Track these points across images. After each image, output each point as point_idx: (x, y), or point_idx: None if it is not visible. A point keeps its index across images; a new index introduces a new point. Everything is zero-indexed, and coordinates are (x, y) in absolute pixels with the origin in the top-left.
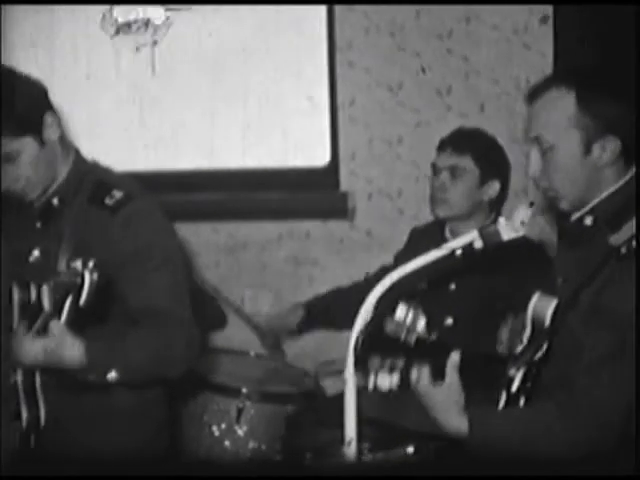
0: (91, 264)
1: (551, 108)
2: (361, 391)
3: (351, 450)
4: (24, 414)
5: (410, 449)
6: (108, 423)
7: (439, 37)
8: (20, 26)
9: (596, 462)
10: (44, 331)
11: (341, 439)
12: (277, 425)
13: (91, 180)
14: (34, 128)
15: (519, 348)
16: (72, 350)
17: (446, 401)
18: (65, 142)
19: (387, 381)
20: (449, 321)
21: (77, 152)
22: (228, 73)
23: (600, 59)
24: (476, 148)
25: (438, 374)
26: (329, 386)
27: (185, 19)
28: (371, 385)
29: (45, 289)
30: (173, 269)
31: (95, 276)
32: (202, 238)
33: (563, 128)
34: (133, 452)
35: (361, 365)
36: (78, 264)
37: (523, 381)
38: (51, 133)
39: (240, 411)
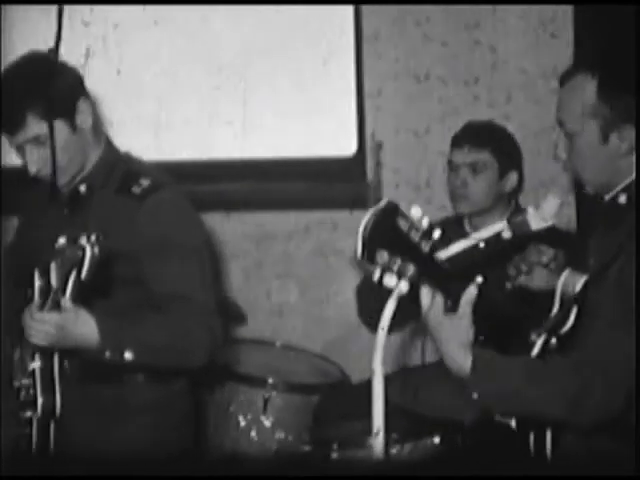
0: (93, 238)
1: (574, 95)
2: (389, 382)
3: (379, 440)
4: (40, 400)
5: (437, 439)
6: (130, 417)
7: (466, 27)
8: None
9: (596, 462)
10: (56, 308)
11: (368, 430)
12: (304, 416)
13: (120, 169)
14: (66, 113)
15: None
16: (86, 327)
17: (455, 334)
18: (97, 130)
19: (394, 282)
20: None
21: (108, 141)
22: (257, 62)
23: (623, 50)
24: (493, 141)
25: (451, 303)
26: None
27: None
28: (376, 278)
29: (53, 265)
30: (198, 259)
31: (96, 250)
32: (229, 228)
33: (583, 116)
34: (157, 447)
35: (369, 253)
36: (82, 239)
37: (543, 349)
38: (83, 120)
39: (266, 402)
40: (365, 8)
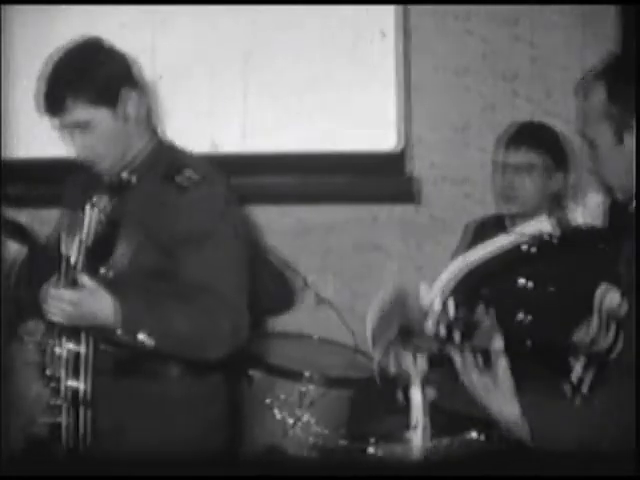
0: (94, 199)
1: (587, 101)
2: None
3: (417, 435)
4: (65, 385)
5: (474, 435)
6: (167, 413)
7: (506, 23)
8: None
9: (596, 461)
10: (73, 285)
11: (406, 424)
12: (340, 410)
13: (165, 159)
14: (110, 100)
15: (585, 338)
16: (102, 304)
17: (495, 388)
18: (144, 119)
19: (411, 363)
20: (520, 316)
21: (155, 131)
22: (302, 57)
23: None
24: (544, 143)
25: (482, 360)
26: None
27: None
28: (392, 366)
29: (62, 236)
30: (233, 254)
31: (95, 212)
32: (269, 221)
33: (597, 120)
34: (193, 442)
35: (380, 344)
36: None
37: (585, 371)
38: (128, 108)
39: (303, 395)
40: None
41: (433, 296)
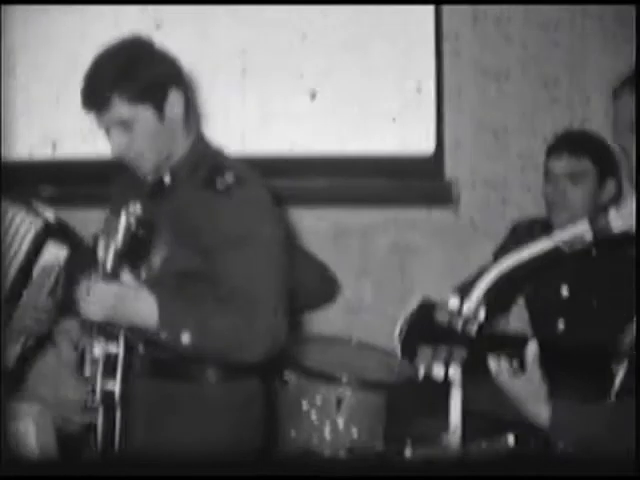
0: (131, 208)
1: (619, 110)
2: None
3: (455, 438)
4: (98, 386)
5: (511, 439)
6: (204, 417)
7: (545, 28)
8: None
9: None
10: (111, 281)
11: (442, 427)
12: (377, 413)
13: (207, 162)
14: (155, 100)
15: (627, 343)
16: (145, 304)
17: (529, 392)
18: (189, 122)
19: (442, 372)
20: (561, 325)
21: (199, 133)
22: (336, 59)
23: None
24: (592, 150)
25: (517, 364)
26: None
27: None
28: (421, 375)
29: (100, 239)
30: (272, 259)
31: (132, 220)
32: (306, 224)
33: (627, 128)
34: (230, 446)
35: (407, 353)
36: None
37: (627, 376)
38: (173, 109)
39: (340, 399)
40: (445, 6)
41: (469, 301)
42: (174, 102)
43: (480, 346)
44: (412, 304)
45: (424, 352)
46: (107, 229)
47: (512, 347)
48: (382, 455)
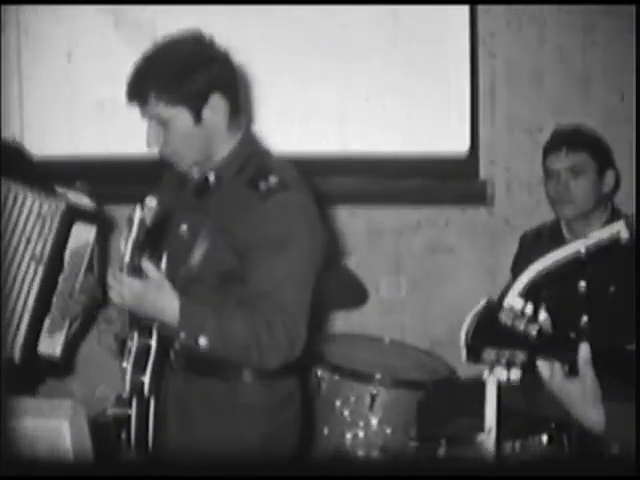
0: (146, 201)
1: None
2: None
3: (490, 438)
4: (128, 376)
5: (545, 439)
6: (240, 417)
7: (580, 27)
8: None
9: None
10: (135, 273)
11: (476, 426)
12: (410, 412)
13: (252, 164)
14: (194, 103)
15: None
16: (167, 301)
17: (581, 395)
18: (235, 122)
19: (504, 375)
20: (584, 319)
21: (246, 134)
22: (374, 61)
23: None
24: (589, 144)
25: (570, 368)
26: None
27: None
28: (485, 376)
29: (124, 232)
30: (303, 265)
31: (146, 212)
32: (340, 223)
33: None
34: (265, 446)
35: (473, 356)
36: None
37: None
38: (213, 114)
39: (374, 397)
40: (481, 7)
41: (511, 300)
42: (215, 107)
43: (539, 349)
44: (477, 307)
45: (488, 354)
46: (128, 223)
47: (564, 349)
48: (416, 453)
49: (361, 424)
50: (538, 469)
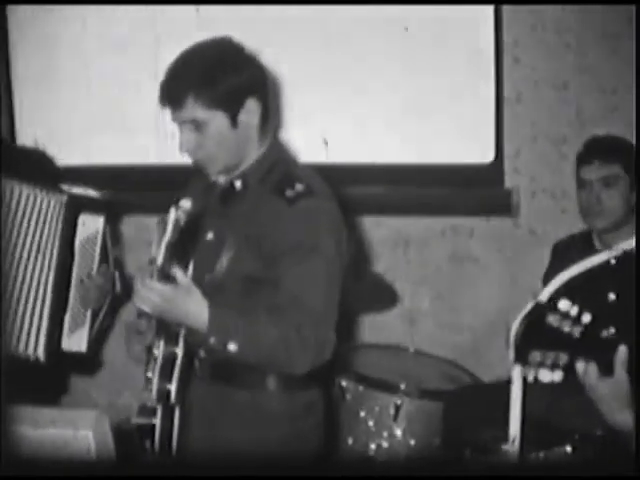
0: (180, 202)
1: None
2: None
3: (514, 448)
4: (154, 385)
5: (568, 448)
6: (264, 424)
7: (605, 36)
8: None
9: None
10: (165, 279)
11: (501, 436)
12: (434, 422)
13: (279, 171)
14: (231, 108)
15: None
16: (197, 306)
17: (613, 395)
18: (264, 130)
19: (549, 376)
20: (612, 330)
21: (274, 141)
22: (397, 71)
23: None
24: (621, 153)
25: (606, 369)
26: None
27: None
28: (531, 378)
29: (155, 237)
30: (331, 271)
31: (180, 213)
32: (365, 232)
33: None
34: (289, 454)
35: (521, 357)
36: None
37: None
38: (248, 118)
39: (398, 408)
40: (505, 15)
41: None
42: (250, 111)
43: (580, 349)
44: (525, 309)
45: (534, 356)
46: (160, 226)
47: (603, 350)
48: (440, 463)
49: (385, 434)
50: (538, 469)
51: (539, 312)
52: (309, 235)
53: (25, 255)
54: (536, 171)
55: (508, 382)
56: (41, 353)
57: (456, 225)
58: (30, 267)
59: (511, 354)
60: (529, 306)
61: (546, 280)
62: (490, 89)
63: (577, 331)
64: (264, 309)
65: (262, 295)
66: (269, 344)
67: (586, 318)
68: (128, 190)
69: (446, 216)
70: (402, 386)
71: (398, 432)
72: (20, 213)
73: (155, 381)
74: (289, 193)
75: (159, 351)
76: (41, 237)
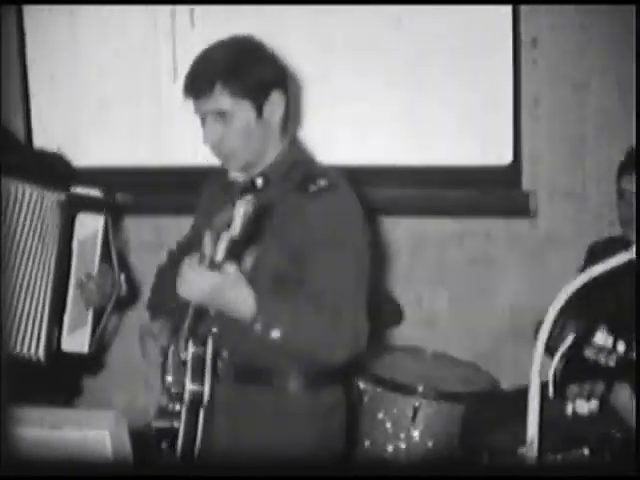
0: (248, 197)
1: None
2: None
3: (532, 451)
4: (188, 387)
5: (586, 451)
6: (285, 425)
7: (625, 37)
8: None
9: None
10: (214, 269)
11: (519, 439)
12: (453, 424)
13: (300, 169)
14: (257, 99)
15: None
16: (242, 294)
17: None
18: (285, 127)
19: (585, 407)
20: None
21: (293, 140)
22: (416, 70)
23: None
24: None
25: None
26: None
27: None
28: (569, 412)
29: (207, 234)
30: (360, 262)
31: (250, 207)
32: (383, 233)
33: None
34: (310, 454)
35: (559, 391)
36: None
37: None
38: (273, 111)
39: (416, 410)
40: (523, 14)
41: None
42: (275, 104)
43: (615, 376)
44: (563, 344)
45: (571, 390)
46: (217, 222)
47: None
48: (458, 465)
49: (403, 436)
50: (535, 470)
51: (577, 347)
52: (337, 229)
53: (23, 254)
54: (554, 173)
55: (526, 385)
56: (41, 353)
57: (474, 227)
58: (29, 266)
59: (550, 390)
60: (567, 342)
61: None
62: (508, 89)
63: (612, 360)
64: (302, 301)
65: (290, 291)
66: (309, 334)
67: (621, 347)
68: (144, 191)
69: (464, 218)
70: (420, 388)
71: (416, 434)
72: (17, 211)
73: (187, 383)
74: (313, 188)
75: (187, 353)
76: (40, 236)
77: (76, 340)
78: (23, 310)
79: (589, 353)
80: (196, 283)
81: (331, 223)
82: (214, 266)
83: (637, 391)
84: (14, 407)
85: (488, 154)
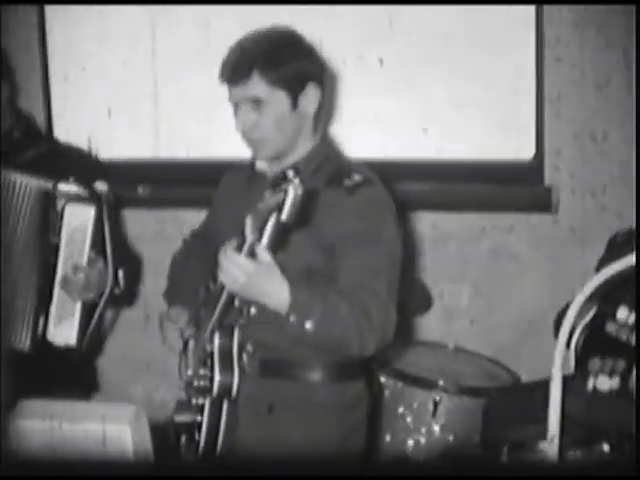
0: (297, 180)
1: None
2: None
3: (553, 446)
4: (217, 378)
5: (606, 447)
6: (310, 417)
7: None
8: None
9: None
10: (251, 256)
11: (540, 434)
12: (473, 419)
13: (332, 164)
14: (293, 89)
15: None
16: (277, 284)
17: None
18: (318, 121)
19: (607, 384)
20: None
21: (325, 135)
22: (436, 65)
23: None
24: None
25: None
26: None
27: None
28: (590, 387)
29: (249, 219)
30: (392, 257)
31: (299, 190)
32: (405, 229)
33: None
34: (332, 447)
35: (580, 366)
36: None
37: None
38: (308, 103)
39: (437, 404)
40: (546, 13)
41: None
42: (310, 96)
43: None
44: (584, 319)
45: (593, 364)
46: (262, 208)
47: None
48: (478, 460)
49: (423, 431)
50: (535, 469)
51: (599, 321)
52: (371, 223)
53: (10, 243)
54: (576, 168)
55: (547, 380)
56: (27, 344)
57: (496, 222)
58: (17, 256)
59: (571, 364)
60: (589, 315)
61: (598, 270)
62: (531, 86)
63: (633, 339)
64: (335, 293)
65: (322, 284)
66: (342, 325)
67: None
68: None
69: (486, 213)
70: (440, 382)
71: (436, 428)
72: (2, 199)
73: (216, 375)
74: (347, 183)
75: (213, 345)
76: (29, 225)
77: (63, 332)
78: (13, 299)
79: (611, 328)
80: (232, 270)
81: (367, 217)
82: (250, 253)
83: (637, 391)
84: (32, 401)
85: (511, 149)
